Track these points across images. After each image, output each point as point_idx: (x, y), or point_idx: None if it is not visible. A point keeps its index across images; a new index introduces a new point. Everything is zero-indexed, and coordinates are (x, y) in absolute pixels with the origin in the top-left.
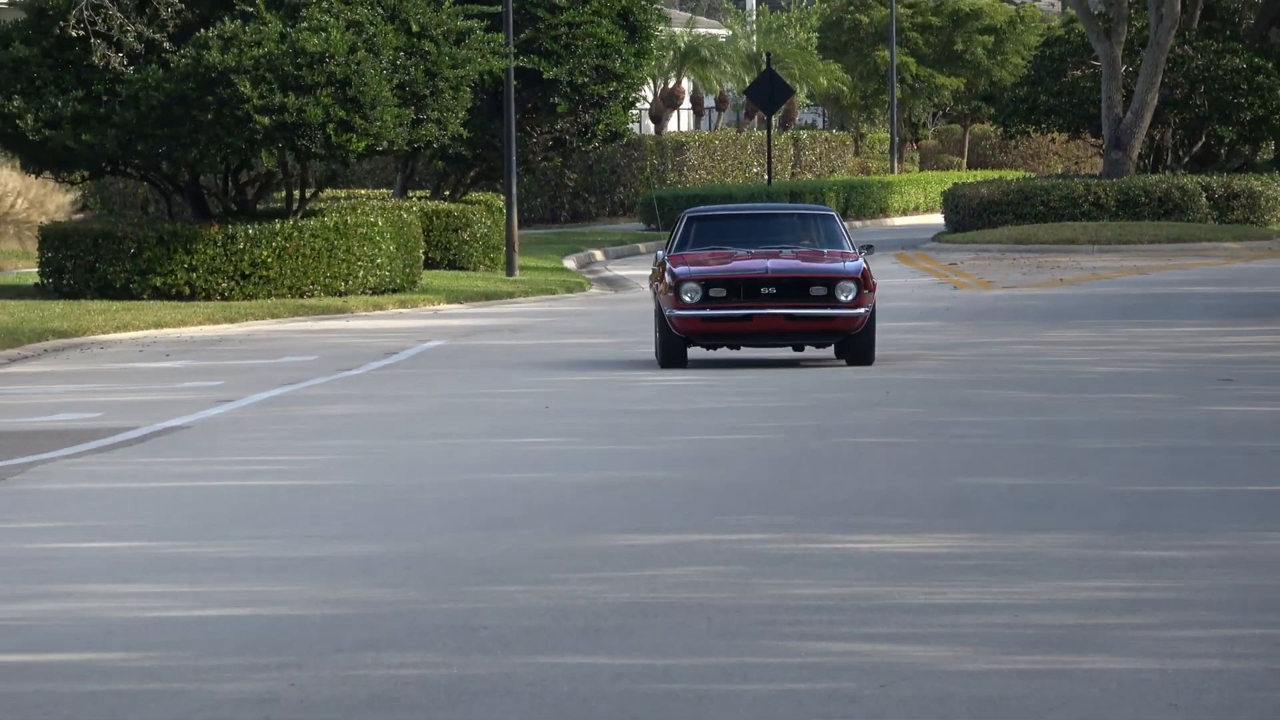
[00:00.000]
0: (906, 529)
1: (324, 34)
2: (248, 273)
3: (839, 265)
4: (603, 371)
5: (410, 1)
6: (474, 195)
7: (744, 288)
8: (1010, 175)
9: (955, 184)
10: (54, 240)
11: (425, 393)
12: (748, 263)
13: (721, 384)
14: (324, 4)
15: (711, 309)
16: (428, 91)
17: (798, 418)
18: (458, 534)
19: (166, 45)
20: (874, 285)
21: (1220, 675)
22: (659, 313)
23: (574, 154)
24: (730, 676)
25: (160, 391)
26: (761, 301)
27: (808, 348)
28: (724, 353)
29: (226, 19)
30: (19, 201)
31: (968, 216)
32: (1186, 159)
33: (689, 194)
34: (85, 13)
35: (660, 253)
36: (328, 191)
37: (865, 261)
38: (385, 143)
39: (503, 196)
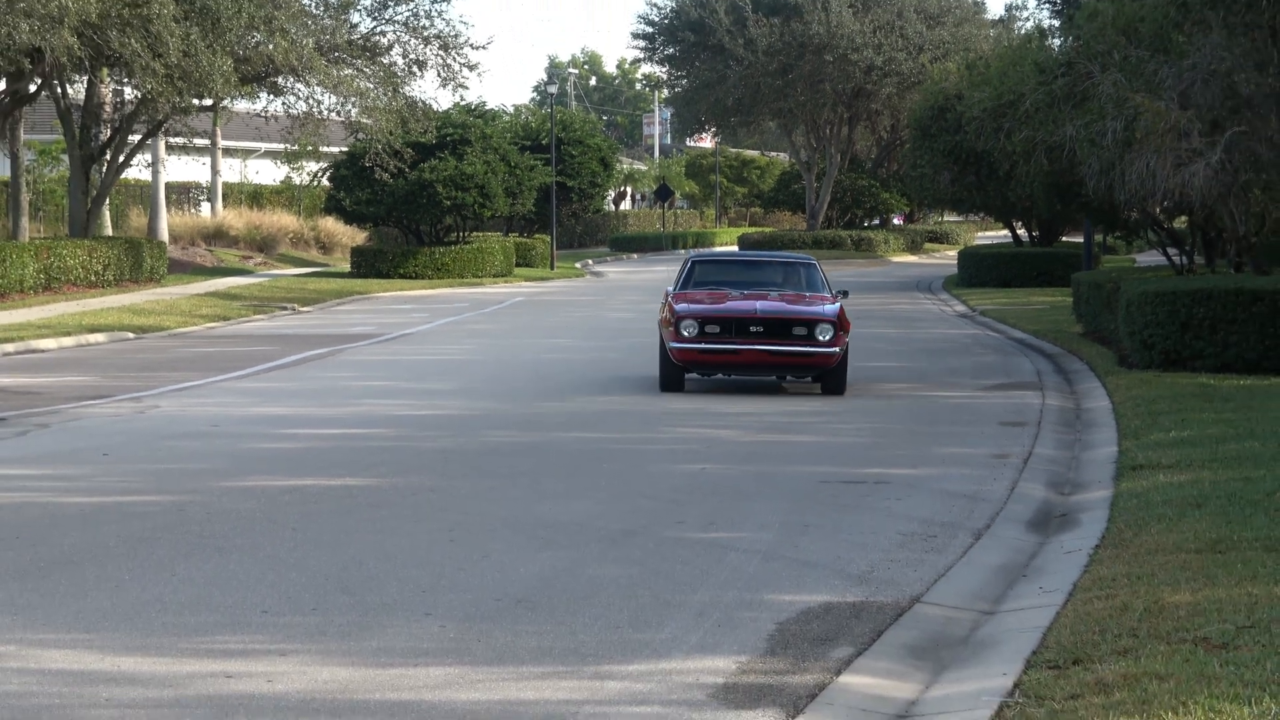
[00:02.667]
0: None
1: (473, 164)
2: (440, 267)
3: (819, 309)
4: (591, 310)
5: (511, 152)
6: (537, 236)
7: (735, 325)
8: (769, 230)
9: (742, 234)
10: (357, 252)
11: (519, 319)
12: (740, 304)
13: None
14: (473, 152)
15: (706, 342)
16: (517, 190)
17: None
18: (529, 383)
19: (406, 170)
20: (848, 326)
21: None
22: (662, 344)
23: (580, 218)
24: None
25: (401, 316)
26: (750, 338)
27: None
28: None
29: (432, 159)
30: (343, 238)
31: (752, 246)
32: (841, 223)
33: (629, 236)
34: (372, 155)
35: (669, 288)
36: (474, 233)
37: (841, 305)
38: (498, 212)
39: (547, 236)
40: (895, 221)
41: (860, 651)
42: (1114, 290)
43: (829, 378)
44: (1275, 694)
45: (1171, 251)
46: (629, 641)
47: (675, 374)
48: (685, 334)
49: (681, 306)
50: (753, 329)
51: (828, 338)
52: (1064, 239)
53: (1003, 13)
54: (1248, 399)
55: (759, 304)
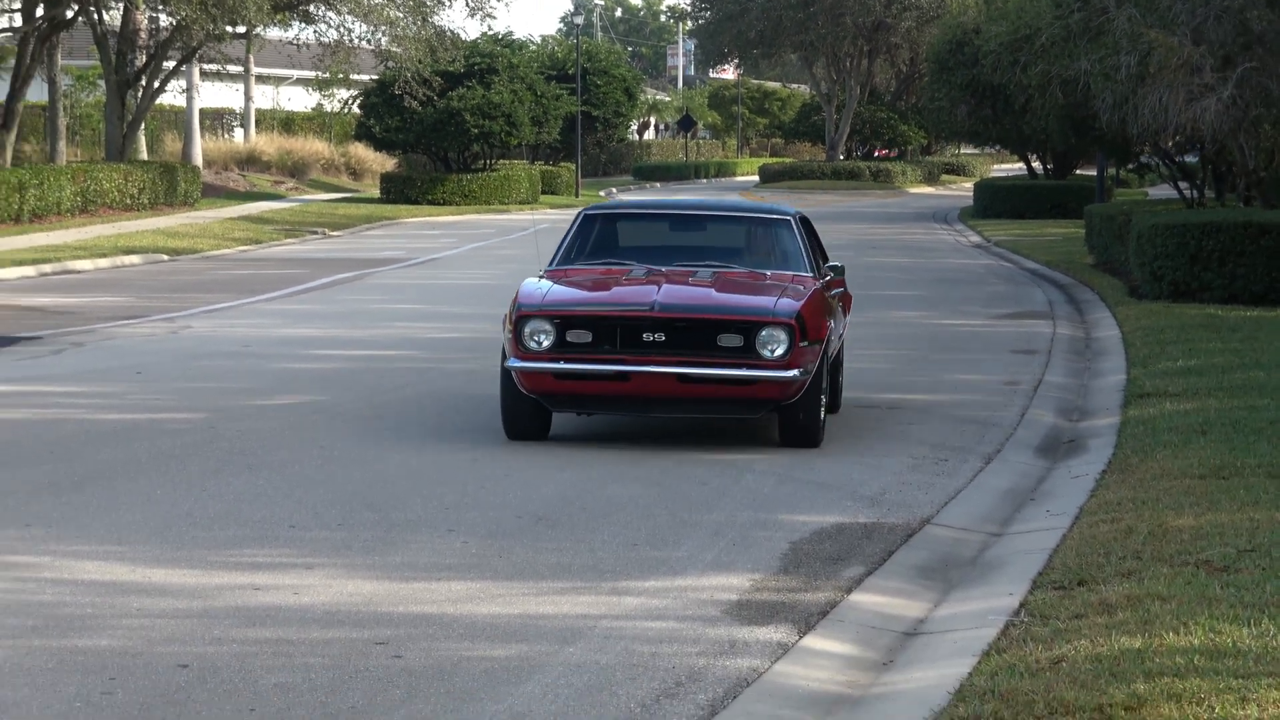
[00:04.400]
0: None
1: (500, 93)
2: (467, 194)
3: (764, 302)
4: None
5: (538, 81)
6: (562, 164)
7: (621, 331)
8: (789, 160)
9: (763, 164)
10: (386, 179)
11: (544, 245)
12: (631, 291)
13: None
14: (500, 82)
15: (570, 360)
16: (543, 119)
17: None
18: None
19: (435, 98)
20: (824, 330)
21: None
22: (504, 362)
23: (604, 148)
24: None
25: (429, 241)
26: (645, 353)
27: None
28: None
29: (460, 88)
30: (373, 164)
31: (772, 177)
32: (859, 154)
33: (652, 165)
34: (401, 84)
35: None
36: (500, 161)
37: (821, 290)
38: (524, 141)
39: (572, 165)
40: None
41: (871, 571)
42: (1125, 223)
43: (787, 415)
44: (1274, 615)
45: (1182, 185)
46: (646, 559)
47: (525, 410)
48: (532, 345)
49: (532, 295)
50: (648, 336)
51: (778, 352)
52: (1077, 172)
53: None
54: (1254, 330)
55: (661, 293)
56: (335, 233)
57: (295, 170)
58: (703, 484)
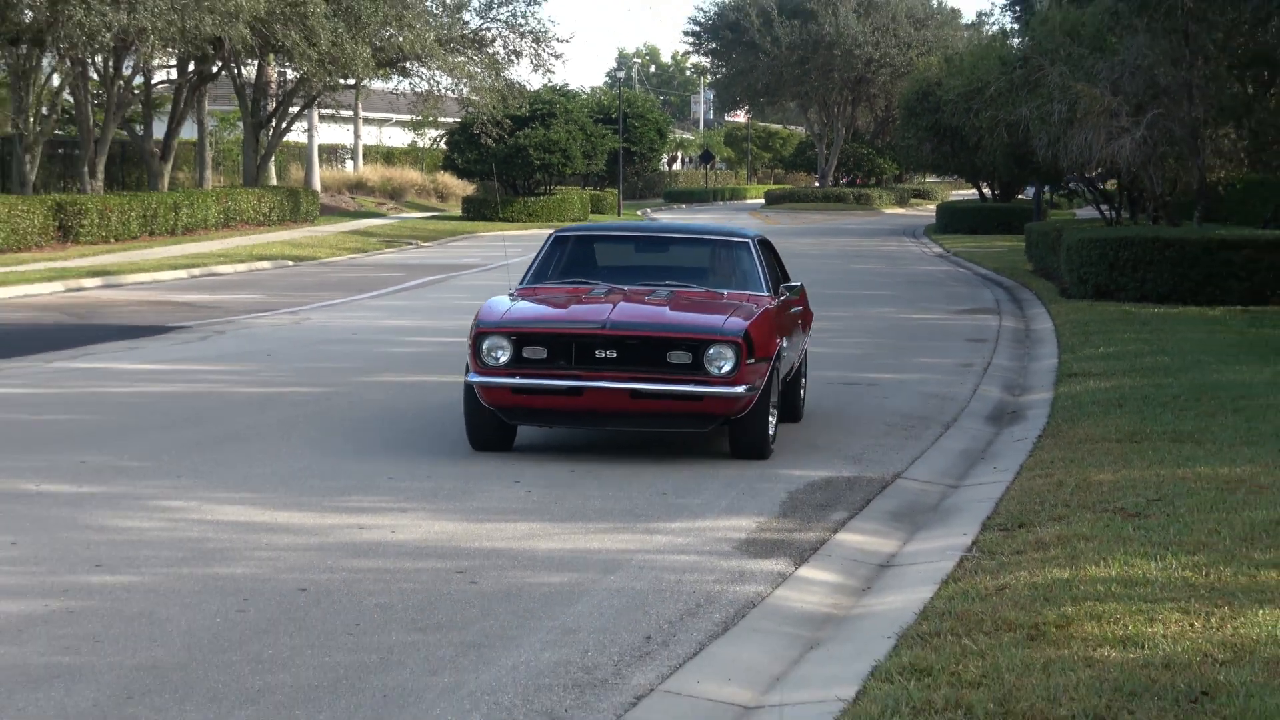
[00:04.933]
0: None
1: (558, 133)
2: (531, 213)
3: (714, 321)
4: None
5: (587, 123)
6: (607, 189)
7: (575, 347)
8: (788, 186)
9: (768, 190)
10: (466, 200)
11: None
12: (586, 309)
13: None
14: (558, 124)
15: (526, 375)
16: (592, 153)
17: None
18: None
19: (506, 136)
20: (773, 348)
21: None
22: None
23: (640, 176)
24: None
25: (499, 251)
26: (598, 369)
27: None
28: None
29: (526, 128)
30: (456, 189)
31: (775, 200)
32: (845, 181)
33: (679, 190)
34: (479, 125)
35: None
36: (557, 186)
37: (773, 310)
38: (577, 170)
39: (615, 190)
40: (816, 184)
41: (853, 515)
42: (1057, 237)
43: (737, 429)
44: (1176, 552)
45: (1103, 207)
46: (672, 505)
47: (488, 422)
48: (490, 361)
49: (491, 313)
50: (600, 353)
51: (726, 369)
52: (1019, 196)
53: (974, 18)
54: (1160, 324)
55: (614, 311)
56: (426, 243)
57: (394, 194)
58: (717, 445)
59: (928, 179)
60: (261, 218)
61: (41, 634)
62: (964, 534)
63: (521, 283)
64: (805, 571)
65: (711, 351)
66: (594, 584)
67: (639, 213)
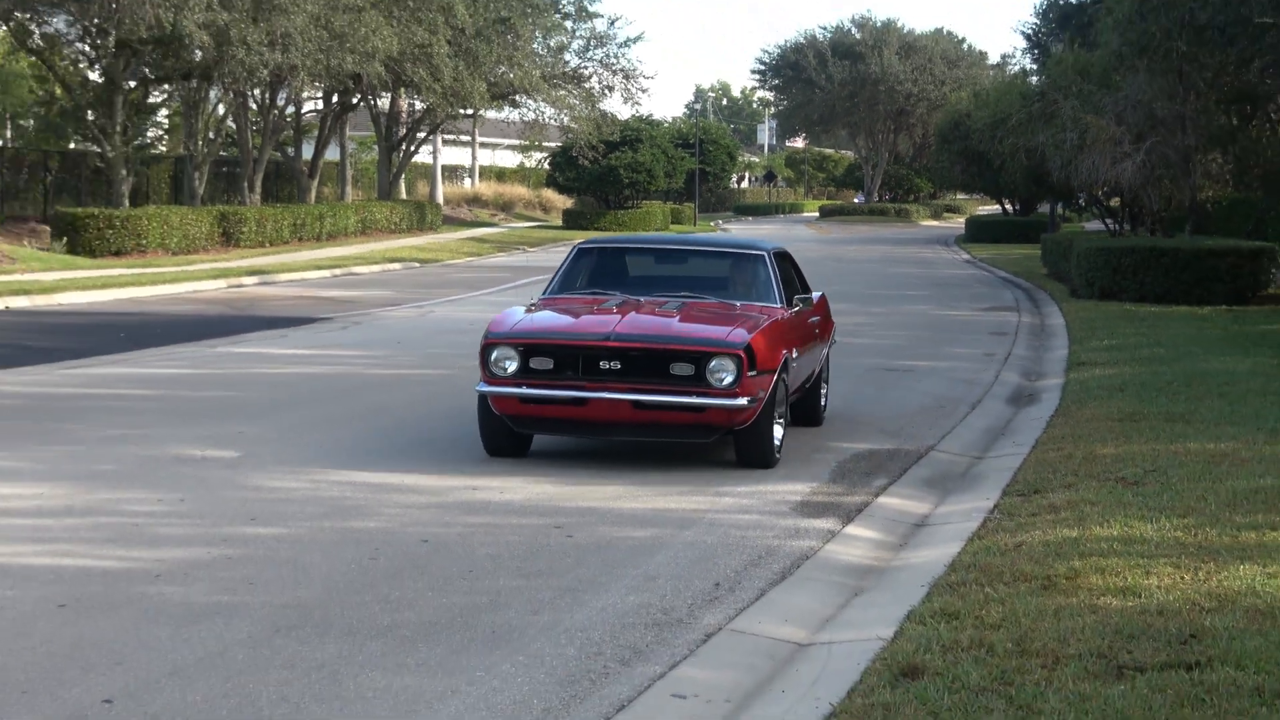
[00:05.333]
0: None
1: (644, 156)
2: (621, 224)
3: (717, 333)
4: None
5: (669, 147)
6: (685, 204)
7: (581, 359)
8: (839, 202)
9: (822, 205)
10: (566, 213)
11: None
12: (594, 320)
13: None
14: (644, 148)
15: (533, 385)
16: (672, 173)
17: None
18: None
19: (600, 158)
20: (777, 359)
21: None
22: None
23: (713, 193)
24: None
25: None
26: (603, 380)
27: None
28: None
29: (616, 152)
30: (557, 203)
31: (828, 214)
32: (887, 198)
33: (746, 205)
34: (577, 148)
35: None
36: (643, 201)
37: (785, 322)
38: (659, 188)
39: (692, 204)
40: (856, 200)
41: (893, 482)
42: (1069, 246)
43: (741, 439)
44: (1169, 515)
45: (1108, 221)
46: (739, 473)
47: (500, 429)
48: (498, 371)
49: (501, 324)
50: (605, 364)
51: (728, 380)
52: (1037, 211)
53: (999, 59)
54: (1156, 320)
55: (622, 321)
56: (531, 249)
57: (505, 206)
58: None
59: (958, 196)
60: (393, 226)
61: (205, 576)
62: (987, 498)
63: (544, 293)
64: (851, 529)
65: (713, 363)
66: (671, 538)
67: (712, 224)
